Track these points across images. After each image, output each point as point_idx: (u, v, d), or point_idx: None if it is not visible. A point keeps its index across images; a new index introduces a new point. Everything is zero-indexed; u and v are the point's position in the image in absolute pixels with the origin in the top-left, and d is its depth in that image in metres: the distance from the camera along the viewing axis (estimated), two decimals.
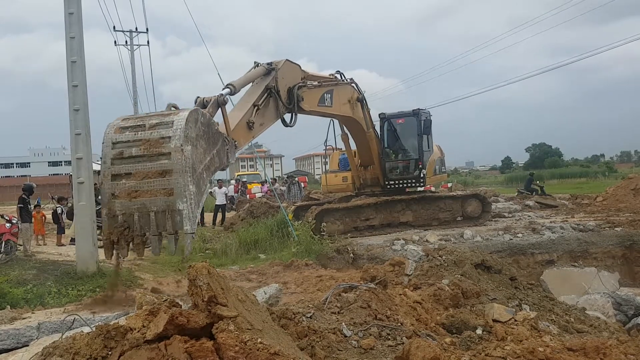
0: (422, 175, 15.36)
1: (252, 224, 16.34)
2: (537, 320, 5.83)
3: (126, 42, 34.53)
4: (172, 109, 6.05)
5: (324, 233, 13.99)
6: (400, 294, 6.47)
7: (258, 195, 24.90)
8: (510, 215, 17.48)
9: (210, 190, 26.16)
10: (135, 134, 5.60)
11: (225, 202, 21.74)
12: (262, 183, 28.54)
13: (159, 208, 5.33)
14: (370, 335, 4.69)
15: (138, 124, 5.70)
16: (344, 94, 12.31)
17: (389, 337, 4.74)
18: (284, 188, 25.35)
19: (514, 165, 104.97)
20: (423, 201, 15.44)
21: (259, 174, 36.22)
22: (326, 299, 5.44)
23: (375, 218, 15.02)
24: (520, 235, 13.17)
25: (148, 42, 35.10)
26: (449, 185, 31.39)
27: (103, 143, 5.62)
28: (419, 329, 5.15)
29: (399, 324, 5.00)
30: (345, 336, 4.60)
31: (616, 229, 13.28)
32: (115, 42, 34.33)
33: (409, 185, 15.60)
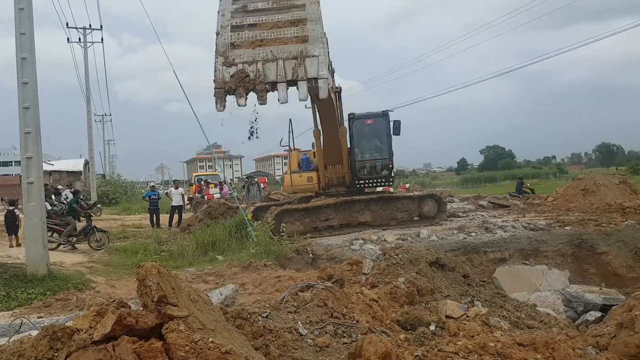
0: (392, 175, 15.87)
1: (210, 225, 16.16)
2: (488, 316, 6.00)
3: (79, 39, 33.69)
4: None
5: (283, 234, 13.97)
6: (357, 293, 6.54)
7: (216, 196, 24.63)
8: (464, 215, 17.89)
9: (166, 191, 25.71)
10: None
11: (182, 203, 21.45)
12: (220, 184, 28.23)
13: (291, 55, 5.39)
14: (326, 333, 4.72)
15: None
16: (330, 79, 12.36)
17: (345, 334, 4.78)
18: (216, 189, 25.04)
19: (469, 166, 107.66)
20: (381, 202, 15.64)
21: (217, 174, 35.81)
22: (283, 298, 5.44)
23: (334, 218, 15.10)
24: (473, 234, 13.47)
25: (102, 39, 34.52)
26: (407, 185, 31.93)
27: (220, 1, 5.70)
28: (374, 326, 5.21)
29: (355, 322, 5.05)
30: (301, 335, 4.61)
31: (566, 228, 13.70)
32: (68, 39, 33.46)
33: (379, 184, 15.97)
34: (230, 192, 22.85)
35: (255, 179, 26.10)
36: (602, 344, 5.49)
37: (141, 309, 3.33)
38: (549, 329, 6.99)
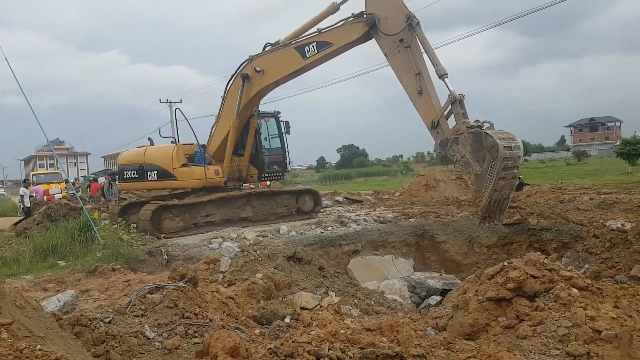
0: (286, 170, 17.09)
1: (50, 228, 14.68)
2: (340, 304, 6.22)
3: None
4: None
5: (142, 232, 13.38)
6: (213, 291, 6.39)
7: (57, 196, 22.51)
8: (322, 210, 18.46)
9: (21, 193, 22.91)
10: (510, 152, 9.29)
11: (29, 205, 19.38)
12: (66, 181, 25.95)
13: (507, 196, 9.86)
14: (176, 334, 4.52)
15: (511, 144, 9.35)
16: None
17: (196, 334, 4.61)
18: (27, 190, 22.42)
19: (327, 164, 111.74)
20: (262, 197, 15.91)
21: (59, 173, 32.73)
22: (129, 302, 5.10)
23: (216, 214, 14.92)
24: (330, 228, 13.93)
25: None
26: (268, 183, 32.01)
27: (499, 155, 9.08)
28: (229, 323, 5.11)
29: (208, 321, 4.91)
30: (148, 338, 4.35)
31: (410, 219, 14.73)
32: None
33: (277, 178, 17.12)
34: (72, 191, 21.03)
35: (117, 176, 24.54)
36: (441, 325, 5.97)
37: None
38: (395, 313, 7.46)
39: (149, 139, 16.38)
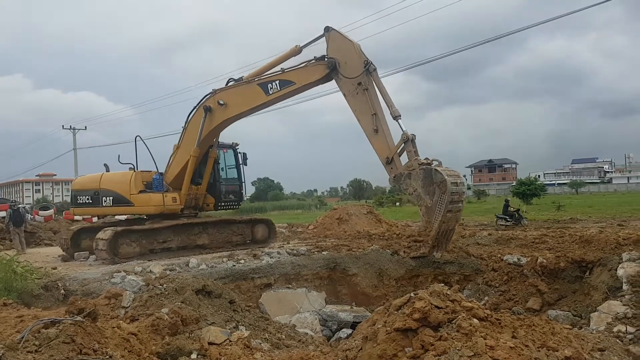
0: (242, 199, 17.72)
1: None
2: (250, 339, 6.09)
3: None
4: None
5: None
6: (114, 327, 6.02)
7: None
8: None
9: None
10: (456, 187, 10.62)
11: None
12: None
13: (453, 227, 11.23)
14: None
15: (457, 181, 10.80)
16: None
17: None
18: None
19: None
20: (219, 225, 16.19)
21: None
22: (22, 337, 4.69)
23: (172, 240, 14.99)
24: (242, 261, 13.66)
25: None
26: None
27: (447, 190, 10.44)
28: None
29: (108, 357, 4.60)
30: None
31: (323, 252, 14.82)
32: None
33: (233, 207, 17.60)
34: None
35: (19, 206, 23.27)
36: (350, 357, 6.00)
37: None
38: (306, 347, 7.40)
39: (105, 165, 16.40)
